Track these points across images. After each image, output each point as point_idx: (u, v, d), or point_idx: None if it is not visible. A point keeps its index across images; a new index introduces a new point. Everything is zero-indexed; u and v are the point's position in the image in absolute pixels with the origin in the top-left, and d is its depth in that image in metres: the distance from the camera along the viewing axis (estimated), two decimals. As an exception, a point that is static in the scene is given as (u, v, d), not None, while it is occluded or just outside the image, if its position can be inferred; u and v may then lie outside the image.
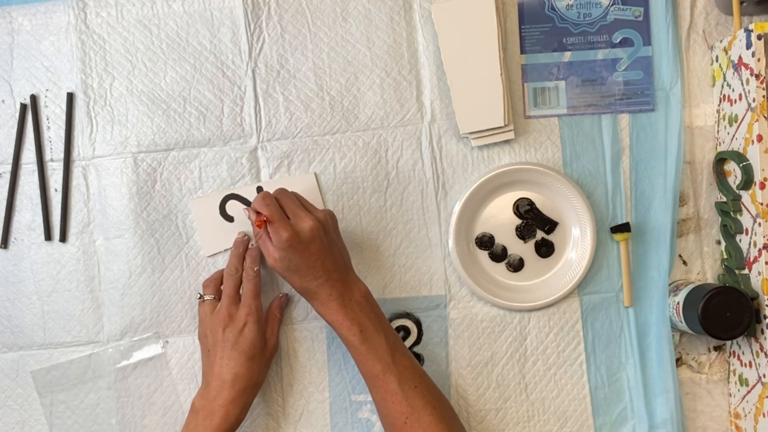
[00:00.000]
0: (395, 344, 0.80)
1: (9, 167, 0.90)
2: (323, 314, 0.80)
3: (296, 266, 0.77)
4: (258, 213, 0.79)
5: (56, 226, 0.90)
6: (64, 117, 0.90)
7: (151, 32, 0.90)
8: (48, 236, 0.90)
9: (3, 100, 0.91)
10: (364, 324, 0.78)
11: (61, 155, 0.90)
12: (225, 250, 0.89)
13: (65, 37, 0.90)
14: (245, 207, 0.86)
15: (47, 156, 0.90)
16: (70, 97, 0.90)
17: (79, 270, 0.90)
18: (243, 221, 0.89)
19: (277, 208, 0.79)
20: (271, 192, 0.81)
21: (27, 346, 0.89)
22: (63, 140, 0.90)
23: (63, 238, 0.90)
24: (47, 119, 0.90)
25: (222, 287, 0.85)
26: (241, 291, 0.85)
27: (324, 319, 0.80)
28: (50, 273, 0.90)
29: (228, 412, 0.80)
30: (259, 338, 0.82)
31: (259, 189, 0.90)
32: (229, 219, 0.89)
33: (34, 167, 0.90)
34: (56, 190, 0.90)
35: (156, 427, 0.89)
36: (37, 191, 0.90)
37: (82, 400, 0.89)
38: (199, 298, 0.87)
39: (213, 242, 0.89)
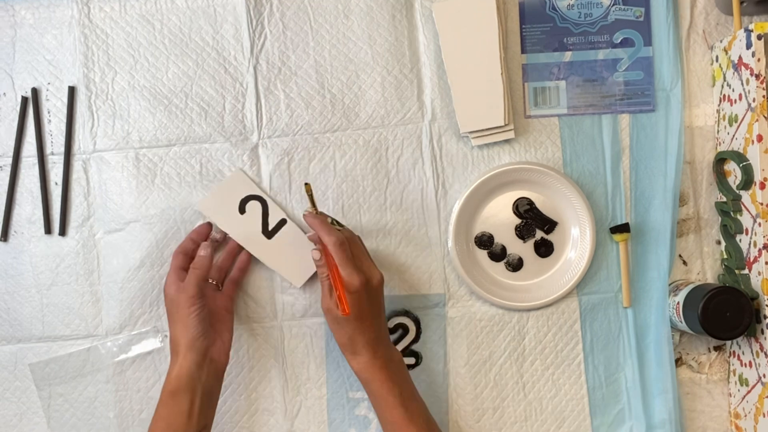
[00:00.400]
0: (428, 412, 0.81)
1: (9, 160, 0.90)
2: (363, 371, 0.79)
3: (358, 314, 0.77)
4: (325, 251, 0.78)
5: (56, 220, 0.90)
6: (65, 111, 0.90)
7: (153, 27, 0.91)
8: (48, 230, 0.90)
9: (4, 93, 0.91)
10: (403, 388, 0.79)
11: (62, 149, 0.90)
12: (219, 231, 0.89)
13: (68, 31, 0.91)
14: (314, 248, 0.80)
15: (48, 149, 0.90)
16: (72, 91, 0.90)
17: (79, 263, 0.90)
18: (248, 219, 0.89)
19: (350, 254, 0.77)
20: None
21: (26, 338, 0.89)
22: (64, 134, 0.90)
23: (63, 231, 0.90)
24: (48, 113, 0.91)
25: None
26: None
27: (361, 375, 0.79)
28: (50, 266, 0.90)
29: None
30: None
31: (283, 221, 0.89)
32: (242, 211, 0.89)
33: (35, 160, 0.90)
34: (56, 184, 0.90)
35: (153, 423, 0.89)
36: (38, 184, 0.90)
37: (81, 393, 0.88)
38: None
39: (212, 209, 0.88)
